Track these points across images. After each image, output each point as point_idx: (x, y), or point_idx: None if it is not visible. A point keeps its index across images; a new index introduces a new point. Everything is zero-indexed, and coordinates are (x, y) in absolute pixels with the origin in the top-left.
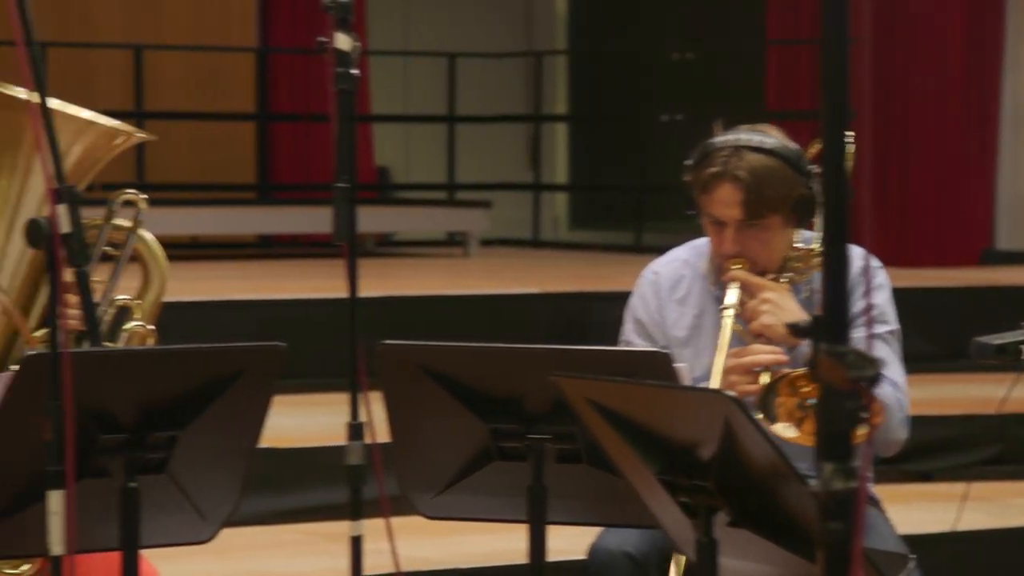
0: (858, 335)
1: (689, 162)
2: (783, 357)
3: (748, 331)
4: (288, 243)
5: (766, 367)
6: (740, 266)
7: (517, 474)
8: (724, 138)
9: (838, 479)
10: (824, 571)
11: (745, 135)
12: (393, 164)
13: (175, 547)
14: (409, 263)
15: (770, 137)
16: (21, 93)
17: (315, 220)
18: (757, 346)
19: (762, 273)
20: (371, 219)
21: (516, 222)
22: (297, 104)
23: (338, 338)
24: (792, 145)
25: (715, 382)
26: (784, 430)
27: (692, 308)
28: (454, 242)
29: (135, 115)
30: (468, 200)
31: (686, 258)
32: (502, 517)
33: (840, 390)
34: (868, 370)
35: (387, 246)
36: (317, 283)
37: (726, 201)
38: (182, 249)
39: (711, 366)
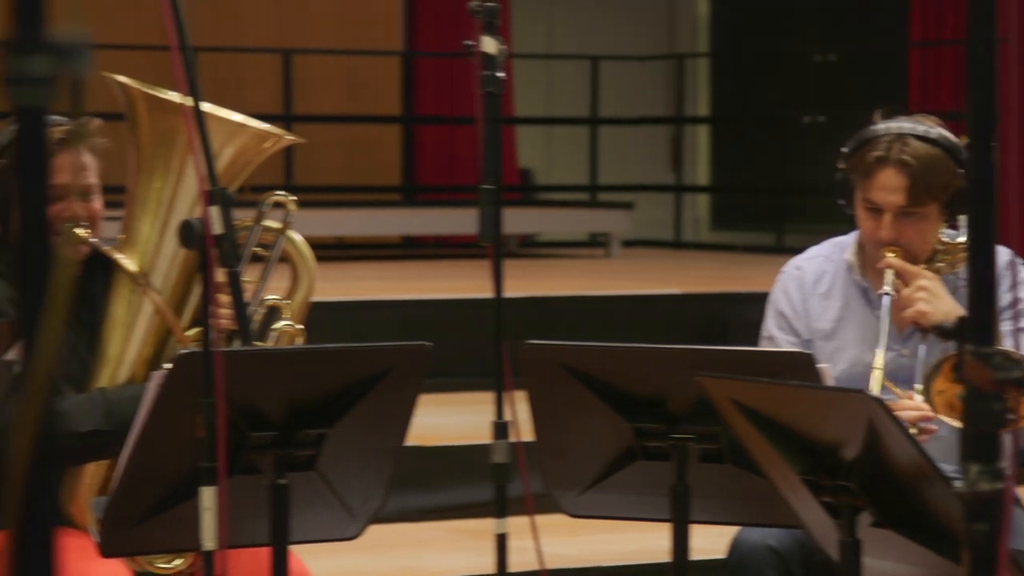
0: (1005, 328)
1: (846, 148)
2: (930, 414)
3: (902, 318)
4: (432, 244)
5: (912, 424)
6: (895, 254)
7: (660, 473)
8: (886, 125)
9: (984, 480)
10: (969, 572)
11: (908, 124)
12: (536, 166)
13: (323, 543)
14: (552, 264)
15: (933, 128)
16: (175, 97)
17: (459, 221)
18: (904, 402)
19: (912, 263)
20: (514, 220)
21: (658, 223)
22: (442, 107)
23: (483, 338)
24: (952, 137)
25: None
26: (947, 419)
27: (837, 300)
28: (596, 243)
29: (284, 118)
30: (610, 201)
31: (827, 255)
32: (645, 516)
33: (986, 391)
34: (1014, 371)
35: (530, 247)
36: (461, 283)
37: (889, 187)
38: (329, 250)
39: (855, 358)
